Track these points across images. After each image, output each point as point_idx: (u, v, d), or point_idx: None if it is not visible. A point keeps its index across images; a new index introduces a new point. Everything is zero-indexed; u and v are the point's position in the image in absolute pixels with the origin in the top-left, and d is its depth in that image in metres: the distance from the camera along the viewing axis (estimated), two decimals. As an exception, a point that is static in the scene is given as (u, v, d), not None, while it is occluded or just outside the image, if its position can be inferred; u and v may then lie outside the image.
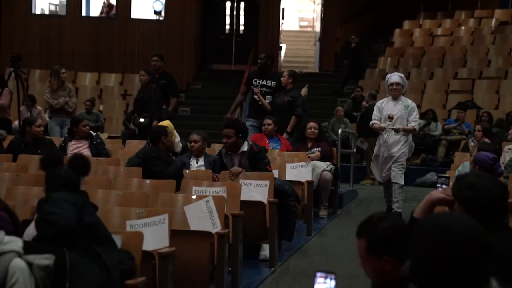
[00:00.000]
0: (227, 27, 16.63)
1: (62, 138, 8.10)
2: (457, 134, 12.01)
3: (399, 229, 2.39)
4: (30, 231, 3.42)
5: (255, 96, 8.76)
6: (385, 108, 7.79)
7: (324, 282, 2.13)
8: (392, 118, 7.71)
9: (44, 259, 3.09)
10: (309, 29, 21.06)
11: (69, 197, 3.44)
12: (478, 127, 8.55)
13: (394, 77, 7.80)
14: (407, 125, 7.73)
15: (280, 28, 16.70)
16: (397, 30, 17.00)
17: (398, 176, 7.79)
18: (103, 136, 10.45)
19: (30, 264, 3.04)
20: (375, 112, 7.88)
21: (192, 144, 6.61)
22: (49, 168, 3.66)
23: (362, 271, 5.72)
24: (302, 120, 8.53)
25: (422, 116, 12.74)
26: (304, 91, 9.27)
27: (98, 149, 7.58)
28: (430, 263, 1.59)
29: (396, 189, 7.82)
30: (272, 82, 8.83)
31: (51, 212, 3.33)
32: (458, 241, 1.61)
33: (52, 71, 9.69)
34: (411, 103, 7.83)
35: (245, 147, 6.23)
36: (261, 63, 8.94)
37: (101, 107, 13.98)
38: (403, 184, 7.86)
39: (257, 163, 6.21)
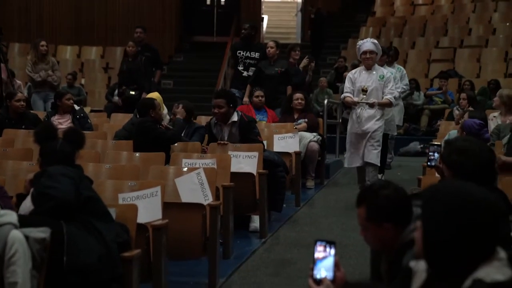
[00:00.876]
0: (208, -2, 16.48)
1: (45, 113, 8.03)
2: (439, 103, 12.09)
3: (400, 196, 2.41)
4: (27, 205, 3.40)
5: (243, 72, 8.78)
6: (358, 80, 6.95)
7: (324, 251, 2.12)
8: (366, 91, 6.88)
9: (40, 232, 3.08)
10: (290, 0, 20.93)
11: (66, 171, 3.42)
12: (463, 95, 8.60)
13: (367, 44, 6.91)
14: (382, 98, 6.93)
15: (261, -1, 16.59)
16: (378, 0, 16.97)
17: (373, 155, 6.88)
18: (86, 110, 10.36)
19: (26, 237, 3.03)
20: (347, 84, 7.05)
21: (173, 116, 6.67)
22: (44, 141, 3.62)
23: (352, 240, 5.81)
24: (301, 88, 8.58)
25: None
26: (304, 63, 9.28)
27: (82, 123, 7.52)
28: (453, 230, 1.60)
29: (371, 171, 6.92)
30: (256, 54, 8.80)
31: (49, 186, 3.30)
32: (482, 207, 1.63)
33: (32, 44, 9.55)
34: (386, 73, 7.04)
35: (235, 117, 6.24)
36: (245, 33, 8.89)
37: (82, 81, 13.84)
38: (378, 165, 6.97)
39: (248, 133, 6.22)
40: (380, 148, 6.94)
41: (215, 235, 4.65)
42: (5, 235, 2.93)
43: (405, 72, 8.64)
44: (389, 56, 8.32)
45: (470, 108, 8.00)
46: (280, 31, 18.34)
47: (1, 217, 2.99)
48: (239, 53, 8.82)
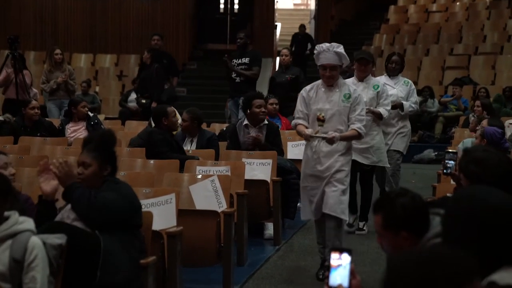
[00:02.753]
0: (222, 6, 16.53)
1: (60, 121, 8.08)
2: (454, 110, 12.03)
3: (417, 205, 2.40)
4: (66, 214, 3.46)
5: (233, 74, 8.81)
6: (314, 100, 4.92)
7: (339, 259, 2.10)
8: (322, 120, 4.85)
9: (57, 238, 3.11)
10: (303, 7, 20.97)
11: (119, 184, 3.52)
12: (478, 102, 8.56)
13: (327, 55, 4.83)
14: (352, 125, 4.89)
15: (275, 7, 16.61)
16: (392, 7, 16.95)
17: (333, 204, 4.77)
18: (100, 117, 10.42)
19: (43, 243, 3.07)
20: (299, 107, 4.99)
21: (181, 123, 6.60)
22: (105, 147, 3.66)
23: (367, 247, 5.77)
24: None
25: (419, 93, 12.78)
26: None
27: (96, 130, 7.56)
28: (473, 235, 1.59)
29: (332, 228, 4.80)
30: (246, 59, 8.83)
31: (108, 199, 3.41)
32: (503, 213, 1.62)
33: (47, 52, 9.64)
34: (354, 92, 4.93)
35: (265, 120, 6.44)
36: (241, 42, 8.96)
37: (97, 89, 13.92)
38: (342, 217, 4.80)
39: (274, 137, 6.38)
40: (346, 195, 4.83)
41: (230, 242, 4.66)
42: (25, 241, 2.97)
43: (413, 87, 6.94)
44: (375, 65, 7.67)
45: (485, 115, 7.97)
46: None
47: (20, 224, 3.02)
48: (233, 61, 8.89)
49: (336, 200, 4.75)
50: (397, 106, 6.57)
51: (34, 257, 2.95)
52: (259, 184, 5.74)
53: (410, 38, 15.29)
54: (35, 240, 2.99)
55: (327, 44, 4.91)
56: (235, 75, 8.85)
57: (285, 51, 8.86)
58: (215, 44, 16.21)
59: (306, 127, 4.88)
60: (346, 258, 2.08)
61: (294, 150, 7.23)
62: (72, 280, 3.22)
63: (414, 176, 9.17)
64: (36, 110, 7.47)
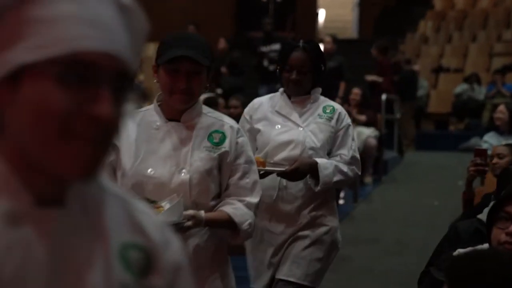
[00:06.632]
0: (264, -6, 16.46)
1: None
2: (500, 97, 11.75)
3: None
4: None
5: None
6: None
7: None
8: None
9: None
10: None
11: None
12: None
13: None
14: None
15: (318, -6, 16.47)
16: (437, -7, 16.61)
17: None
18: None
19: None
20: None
21: (232, 110, 6.56)
22: None
23: (410, 236, 5.69)
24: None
25: (465, 80, 12.52)
26: None
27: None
28: None
29: None
30: (277, 45, 8.73)
31: None
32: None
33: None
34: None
35: None
36: (269, 28, 8.88)
37: (141, 77, 14.03)
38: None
39: None
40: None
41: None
42: None
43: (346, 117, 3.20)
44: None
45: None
46: (337, 26, 18.16)
47: None
48: (261, 49, 8.80)
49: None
50: (297, 170, 2.83)
51: None
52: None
53: (457, 24, 14.97)
54: None
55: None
56: (267, 63, 8.76)
57: (328, 38, 8.76)
58: (257, 31, 16.16)
59: None
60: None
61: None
62: None
63: (461, 165, 8.99)
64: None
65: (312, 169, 2.78)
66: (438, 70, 13.36)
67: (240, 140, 2.22)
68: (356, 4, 17.63)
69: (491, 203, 2.18)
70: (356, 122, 7.72)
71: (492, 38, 14.13)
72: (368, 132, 7.80)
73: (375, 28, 16.53)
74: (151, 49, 15.23)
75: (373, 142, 7.79)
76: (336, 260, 5.02)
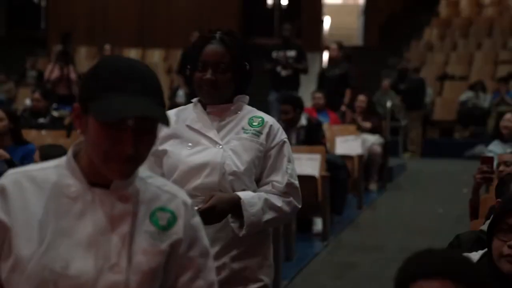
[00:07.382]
0: (269, 1, 16.51)
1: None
2: (504, 105, 11.75)
3: None
4: None
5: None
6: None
7: None
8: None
9: None
10: (351, 2, 20.75)
11: None
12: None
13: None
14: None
15: (323, 1, 16.49)
16: (443, 0, 16.63)
17: None
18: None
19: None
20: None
21: None
22: None
23: (415, 243, 5.69)
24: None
25: (470, 87, 12.53)
26: None
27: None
28: None
29: None
30: (292, 52, 8.66)
31: None
32: None
33: (98, 48, 9.77)
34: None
35: (303, 121, 6.15)
36: (287, 35, 8.85)
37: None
38: None
39: (313, 135, 6.20)
40: None
41: (278, 237, 4.63)
42: None
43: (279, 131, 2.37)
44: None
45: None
46: (342, 33, 18.18)
47: None
48: (276, 54, 8.74)
49: None
50: (214, 209, 2.15)
51: None
52: (307, 179, 5.69)
53: (462, 32, 14.98)
54: None
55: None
56: (280, 68, 8.74)
57: (334, 45, 8.77)
58: (261, 38, 16.19)
59: None
60: None
61: (343, 145, 7.16)
62: None
63: (466, 173, 8.98)
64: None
65: (234, 207, 2.08)
66: (443, 77, 13.36)
67: (194, 221, 1.46)
68: (361, 11, 17.67)
69: (492, 215, 2.19)
70: (361, 129, 7.74)
71: (497, 46, 14.13)
72: (373, 139, 7.81)
73: (381, 36, 16.55)
74: (156, 56, 15.29)
75: (378, 149, 7.80)
76: (341, 267, 5.04)
